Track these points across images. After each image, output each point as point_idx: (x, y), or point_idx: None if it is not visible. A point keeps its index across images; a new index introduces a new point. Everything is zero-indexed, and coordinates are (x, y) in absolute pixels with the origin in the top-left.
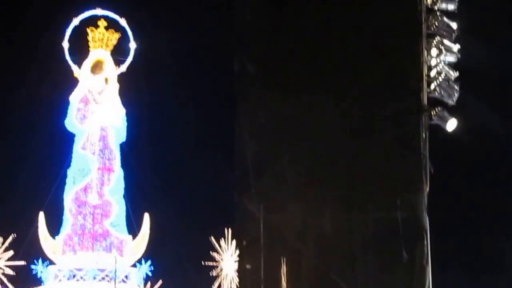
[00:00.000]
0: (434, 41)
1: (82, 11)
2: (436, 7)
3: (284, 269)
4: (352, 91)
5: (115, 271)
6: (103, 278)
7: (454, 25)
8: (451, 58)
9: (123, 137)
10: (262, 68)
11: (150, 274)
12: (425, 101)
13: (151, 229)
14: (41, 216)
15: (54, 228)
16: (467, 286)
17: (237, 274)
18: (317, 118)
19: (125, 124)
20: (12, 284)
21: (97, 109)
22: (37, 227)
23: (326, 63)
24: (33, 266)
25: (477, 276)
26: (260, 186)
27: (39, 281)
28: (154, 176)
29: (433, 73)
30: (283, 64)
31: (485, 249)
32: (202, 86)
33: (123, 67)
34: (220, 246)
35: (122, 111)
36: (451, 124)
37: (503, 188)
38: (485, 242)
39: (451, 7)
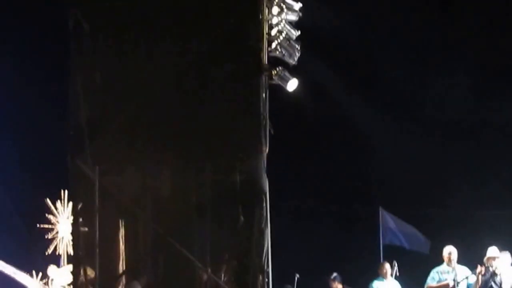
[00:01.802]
0: None
1: None
2: None
3: (120, 232)
4: (190, 51)
5: None
6: None
7: None
8: (293, 17)
9: None
10: (97, 25)
11: None
12: (266, 60)
13: None
14: None
15: None
16: (305, 249)
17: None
18: (154, 78)
19: None
20: None
21: None
22: None
23: (162, 22)
24: None
25: (316, 239)
26: (95, 147)
27: None
28: None
29: (274, 32)
30: (118, 22)
31: (324, 212)
32: (35, 44)
33: None
34: (56, 208)
35: None
36: (292, 84)
37: (343, 149)
38: (324, 205)
39: None
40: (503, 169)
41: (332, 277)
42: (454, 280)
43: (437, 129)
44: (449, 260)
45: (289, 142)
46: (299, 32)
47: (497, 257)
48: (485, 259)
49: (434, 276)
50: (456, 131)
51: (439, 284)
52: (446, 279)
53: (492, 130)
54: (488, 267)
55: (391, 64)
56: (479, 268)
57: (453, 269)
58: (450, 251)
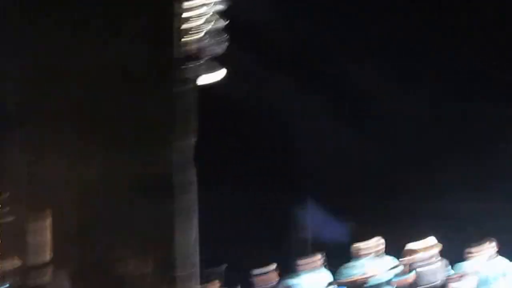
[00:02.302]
0: None
1: None
2: None
3: (47, 221)
4: (115, 40)
5: None
6: None
7: None
8: (219, 6)
9: None
10: (20, 7)
11: None
12: (192, 50)
13: None
14: None
15: None
16: (233, 240)
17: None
18: (82, 67)
19: None
20: None
21: None
22: None
23: (86, 11)
24: None
25: (244, 230)
26: (22, 135)
27: None
28: None
29: (200, 21)
30: (47, 5)
31: (253, 202)
32: None
33: None
34: None
35: None
36: (218, 74)
37: (271, 139)
38: (252, 194)
39: None
40: (445, 161)
41: (271, 268)
42: (379, 270)
43: (370, 119)
44: (375, 250)
45: (217, 132)
46: (226, 22)
47: (430, 248)
48: (406, 250)
49: (357, 266)
50: (388, 122)
51: (362, 277)
52: (371, 270)
53: (430, 122)
54: (414, 257)
55: (320, 52)
56: (404, 259)
57: (379, 259)
58: (371, 241)
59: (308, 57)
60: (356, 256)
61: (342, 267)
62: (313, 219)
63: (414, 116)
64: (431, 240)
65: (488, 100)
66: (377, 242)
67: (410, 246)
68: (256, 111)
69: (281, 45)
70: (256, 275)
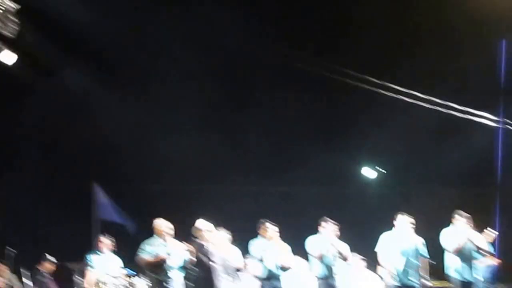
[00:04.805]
0: None
1: None
2: None
3: None
4: None
5: None
6: None
7: None
8: None
9: None
10: None
11: None
12: None
13: None
14: None
15: None
16: (26, 221)
17: None
18: None
19: None
20: None
21: None
22: None
23: None
24: None
25: (28, 213)
26: None
27: None
28: None
29: None
30: None
31: (44, 186)
32: None
33: None
34: None
35: None
36: (7, 57)
37: (61, 124)
38: (44, 178)
39: None
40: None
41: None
42: (168, 253)
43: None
44: (161, 233)
45: (6, 117)
46: (18, 6)
47: (205, 229)
48: (193, 231)
49: (147, 249)
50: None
51: (154, 259)
52: (159, 252)
53: None
54: (196, 238)
55: (110, 37)
56: (186, 245)
57: (165, 242)
58: (161, 223)
59: (99, 40)
60: (159, 235)
61: (145, 243)
62: (102, 203)
63: None
64: (203, 223)
65: None
66: (164, 223)
67: (198, 224)
68: (47, 95)
69: (74, 31)
70: (43, 261)
